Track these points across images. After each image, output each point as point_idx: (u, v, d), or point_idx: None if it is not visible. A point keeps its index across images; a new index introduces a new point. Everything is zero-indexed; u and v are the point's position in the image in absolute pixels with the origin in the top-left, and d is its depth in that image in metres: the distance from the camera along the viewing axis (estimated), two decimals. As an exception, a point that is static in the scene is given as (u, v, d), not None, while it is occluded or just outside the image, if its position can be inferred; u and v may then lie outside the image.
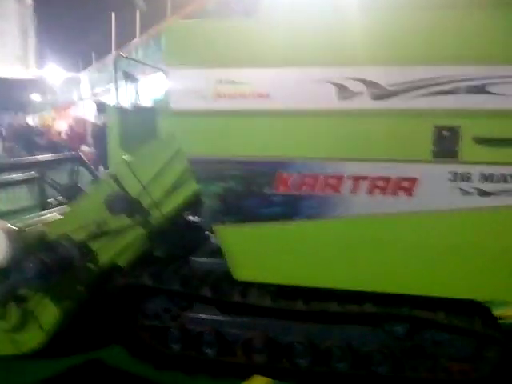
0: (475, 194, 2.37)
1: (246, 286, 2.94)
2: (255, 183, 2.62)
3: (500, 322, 2.91)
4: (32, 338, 3.12)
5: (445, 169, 2.38)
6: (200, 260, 3.20)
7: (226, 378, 3.04)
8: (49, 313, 3.10)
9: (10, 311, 3.09)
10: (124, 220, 2.99)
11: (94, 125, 18.06)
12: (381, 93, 2.38)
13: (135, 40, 20.76)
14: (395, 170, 2.44)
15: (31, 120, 30.06)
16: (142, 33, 20.19)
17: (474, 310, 2.73)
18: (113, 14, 23.09)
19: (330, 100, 2.43)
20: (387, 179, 2.45)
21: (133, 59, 4.21)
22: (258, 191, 2.62)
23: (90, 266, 3.07)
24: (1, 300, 3.03)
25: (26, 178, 4.44)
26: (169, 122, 2.79)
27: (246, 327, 3.09)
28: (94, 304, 3.20)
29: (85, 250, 3.01)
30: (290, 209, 2.61)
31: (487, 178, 2.35)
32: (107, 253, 3.07)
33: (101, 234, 3.01)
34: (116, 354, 3.27)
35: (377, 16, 2.39)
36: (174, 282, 2.97)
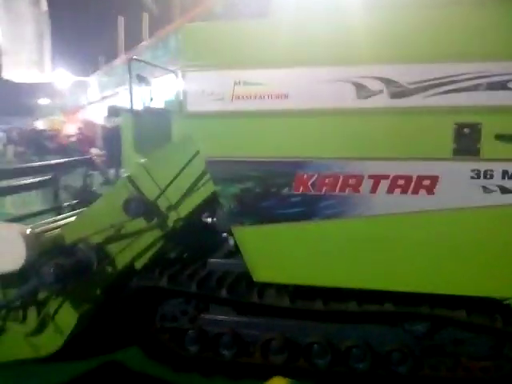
0: (497, 192, 2.35)
1: (264, 287, 2.94)
2: (274, 184, 2.61)
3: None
4: (50, 342, 3.13)
5: (466, 166, 2.37)
6: (217, 261, 3.19)
7: (244, 379, 3.03)
8: (67, 316, 3.10)
9: (29, 315, 3.10)
10: (141, 223, 2.99)
11: (104, 128, 18.18)
12: (400, 91, 2.36)
13: (143, 43, 20.86)
14: (416, 169, 2.43)
15: (41, 124, 30.29)
16: (150, 35, 20.29)
17: (495, 308, 2.70)
18: (120, 18, 23.23)
19: (349, 99, 2.42)
20: (408, 178, 2.43)
21: (146, 62, 4.20)
22: (276, 192, 2.62)
23: (108, 269, 3.07)
24: (20, 304, 3.05)
25: (39, 182, 4.47)
26: (186, 124, 2.78)
27: (263, 328, 3.08)
28: (112, 307, 3.20)
29: (102, 253, 3.02)
30: (309, 209, 2.60)
31: (509, 175, 2.33)
32: (124, 256, 3.07)
33: (118, 237, 3.01)
34: (133, 355, 3.27)
35: (396, 14, 2.38)
36: (191, 283, 2.97)
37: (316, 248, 2.67)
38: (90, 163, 4.92)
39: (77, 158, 5.89)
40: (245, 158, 2.63)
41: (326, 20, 2.47)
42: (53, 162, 4.84)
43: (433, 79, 2.32)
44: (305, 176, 2.56)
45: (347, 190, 2.52)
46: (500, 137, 2.30)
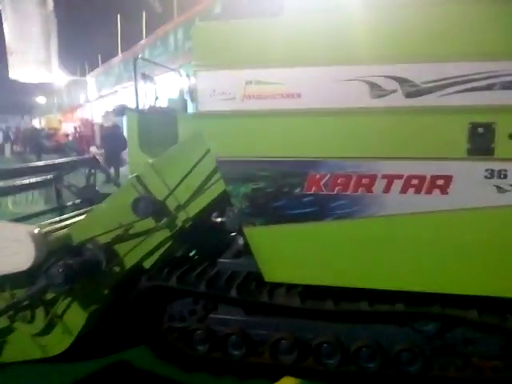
0: (511, 191, 2.34)
1: (273, 287, 2.93)
2: (286, 184, 2.60)
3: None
4: (59, 342, 3.12)
5: (480, 166, 2.36)
6: (226, 261, 3.18)
7: (253, 379, 3.02)
8: (75, 316, 3.09)
9: (37, 315, 3.09)
10: (150, 223, 2.98)
11: (102, 126, 18.14)
12: (414, 90, 2.35)
13: (142, 41, 20.80)
14: (430, 168, 2.42)
15: (38, 123, 30.23)
16: (148, 33, 20.22)
17: (506, 308, 2.70)
18: (118, 16, 23.15)
19: (362, 98, 2.41)
20: (422, 177, 2.43)
21: (150, 61, 4.19)
22: (288, 192, 2.61)
23: (116, 269, 3.06)
24: (28, 304, 3.03)
25: (42, 181, 4.45)
26: (196, 123, 2.76)
27: (272, 328, 3.07)
28: (120, 306, 3.19)
29: (111, 253, 3.01)
30: (322, 209, 2.59)
31: (524, 175, 2.32)
32: (133, 256, 3.06)
33: (127, 237, 3.00)
34: (141, 355, 3.26)
35: (410, 13, 2.37)
36: (200, 283, 2.96)
37: (328, 248, 2.66)
38: (92, 162, 4.90)
39: (80, 157, 5.88)
40: (256, 157, 2.62)
41: (340, 19, 2.46)
42: (56, 161, 4.82)
43: (447, 78, 2.30)
44: (317, 176, 2.55)
45: (360, 190, 2.51)
46: None
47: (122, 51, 24.36)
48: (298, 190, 2.59)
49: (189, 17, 15.55)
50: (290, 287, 2.94)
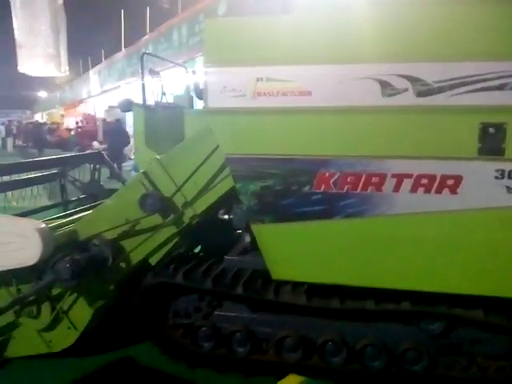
0: None
1: (279, 284, 2.93)
2: (295, 182, 2.60)
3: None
4: (64, 337, 3.11)
5: (491, 166, 2.35)
6: (232, 258, 3.18)
7: (257, 376, 3.02)
8: (81, 312, 3.09)
9: (43, 310, 3.08)
10: (157, 219, 2.97)
11: (105, 121, 18.14)
12: (426, 89, 2.35)
13: (145, 37, 20.76)
14: (440, 168, 2.41)
15: (40, 117, 30.24)
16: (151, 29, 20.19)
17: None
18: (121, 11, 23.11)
19: (373, 97, 2.41)
20: (432, 177, 2.42)
21: (158, 56, 4.17)
22: (297, 190, 2.60)
23: (122, 265, 3.05)
24: (34, 299, 3.03)
25: (47, 176, 4.45)
26: (206, 120, 2.76)
27: (277, 325, 3.07)
28: (126, 302, 3.19)
29: (117, 249, 3.00)
30: (331, 207, 2.58)
31: (535, 176, 2.32)
32: (139, 252, 3.05)
33: (133, 233, 2.99)
34: (146, 352, 3.27)
35: (421, 12, 2.36)
36: (206, 280, 2.96)
37: (336, 247, 2.65)
38: (97, 157, 4.90)
39: (85, 152, 5.87)
40: (266, 155, 2.62)
41: (352, 17, 2.45)
42: (61, 156, 4.82)
43: (459, 78, 2.30)
44: (327, 174, 2.54)
45: (369, 189, 2.50)
46: None
47: (125, 47, 24.35)
48: (307, 188, 2.59)
49: (193, 12, 15.51)
50: (296, 285, 2.94)
